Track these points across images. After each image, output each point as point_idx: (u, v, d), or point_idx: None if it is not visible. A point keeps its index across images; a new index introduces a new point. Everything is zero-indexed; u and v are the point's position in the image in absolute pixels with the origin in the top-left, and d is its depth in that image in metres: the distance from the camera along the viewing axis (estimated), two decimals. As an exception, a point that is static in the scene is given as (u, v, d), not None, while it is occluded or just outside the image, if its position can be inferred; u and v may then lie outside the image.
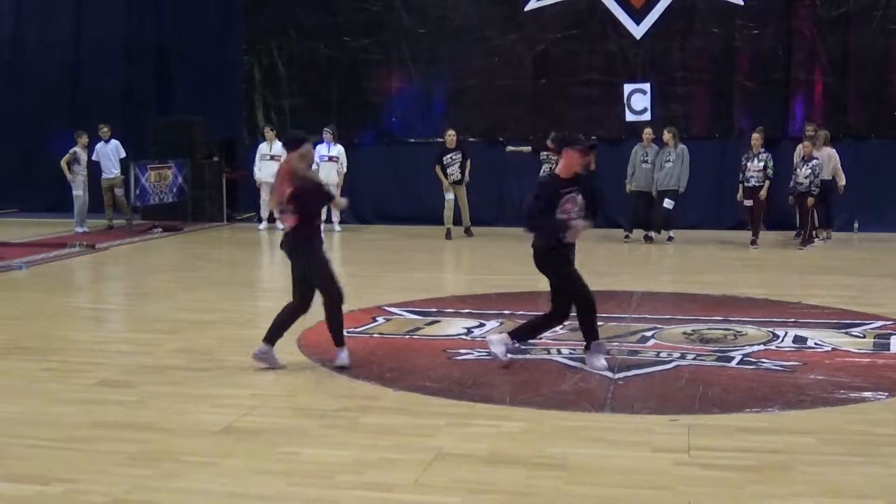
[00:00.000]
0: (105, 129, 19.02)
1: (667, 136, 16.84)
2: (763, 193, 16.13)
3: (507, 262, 14.09)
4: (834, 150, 16.75)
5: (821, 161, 16.17)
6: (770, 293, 11.54)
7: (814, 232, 16.45)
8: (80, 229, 18.35)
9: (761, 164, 16.08)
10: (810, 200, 16.04)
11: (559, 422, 6.57)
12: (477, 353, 8.41)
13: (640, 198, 17.07)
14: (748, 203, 16.29)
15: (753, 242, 16.08)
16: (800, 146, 16.79)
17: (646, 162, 16.99)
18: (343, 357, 8.00)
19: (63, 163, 18.54)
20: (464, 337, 9.06)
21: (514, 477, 5.51)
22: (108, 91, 21.95)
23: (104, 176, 18.95)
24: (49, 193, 22.53)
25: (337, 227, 19.00)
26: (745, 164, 16.19)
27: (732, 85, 18.77)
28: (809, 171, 15.99)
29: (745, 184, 16.19)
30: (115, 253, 16.13)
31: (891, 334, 9.24)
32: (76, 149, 18.66)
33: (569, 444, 6.08)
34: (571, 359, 8.24)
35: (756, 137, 16.28)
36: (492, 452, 5.92)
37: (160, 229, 18.63)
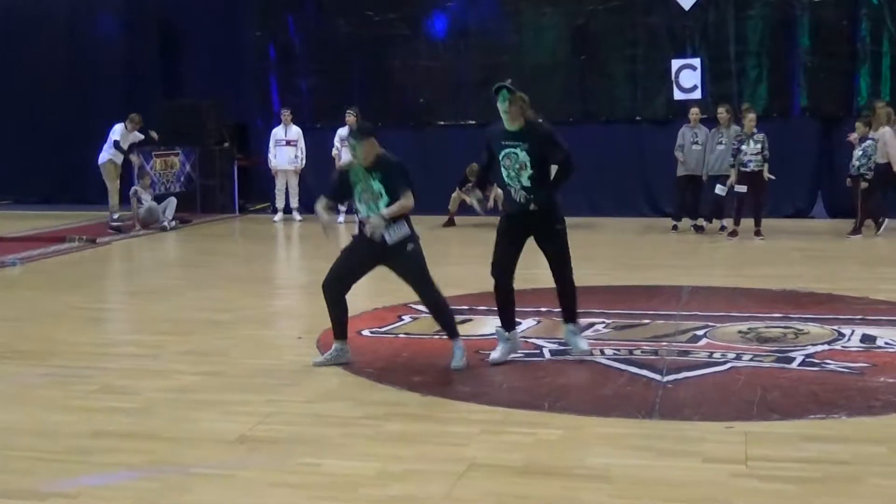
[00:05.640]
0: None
1: (725, 115, 16.61)
2: (767, 175, 15.96)
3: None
4: (891, 131, 16.45)
5: (875, 141, 15.99)
6: (834, 287, 11.46)
7: (866, 221, 16.31)
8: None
9: (758, 145, 15.93)
10: (862, 185, 15.99)
11: (602, 429, 6.54)
12: (512, 355, 8.38)
13: (690, 183, 16.97)
14: (741, 189, 16.10)
15: (758, 233, 15.99)
16: (858, 124, 16.65)
17: (696, 143, 16.88)
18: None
19: None
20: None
21: (553, 489, 5.49)
22: (108, 71, 22.04)
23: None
24: (45, 184, 22.67)
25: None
26: (739, 147, 16.05)
27: (791, 59, 18.63)
28: (861, 152, 15.93)
29: (743, 168, 16.05)
30: (117, 247, 16.21)
31: (968, 332, 9.15)
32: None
33: (612, 454, 6.05)
34: (615, 360, 8.21)
35: (751, 118, 16.06)
36: (528, 463, 5.90)
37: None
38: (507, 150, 7.89)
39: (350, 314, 8.64)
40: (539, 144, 7.88)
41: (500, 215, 8.30)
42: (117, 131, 18.10)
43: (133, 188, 18.10)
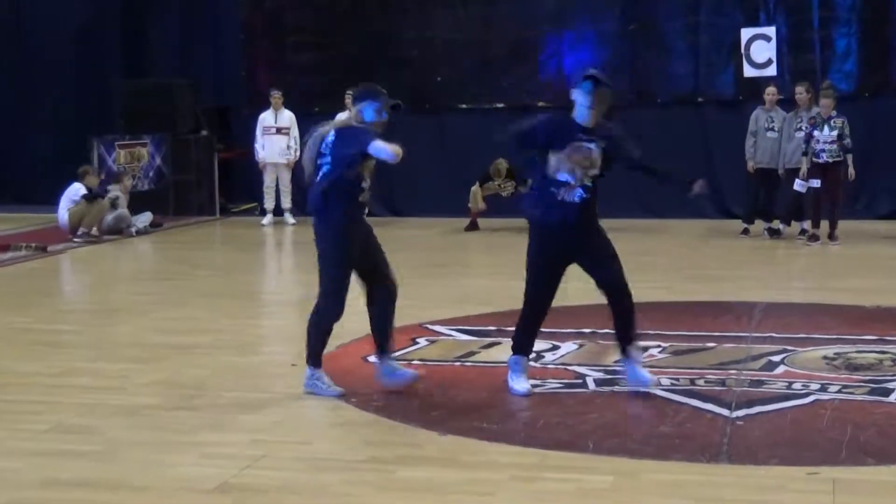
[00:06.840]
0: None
1: (804, 95, 16.54)
2: (851, 172, 15.93)
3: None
4: None
5: None
6: (941, 303, 11.45)
7: None
8: None
9: (835, 132, 15.82)
10: None
11: (658, 475, 6.53)
12: (550, 385, 8.37)
13: (764, 178, 16.91)
14: (815, 185, 15.96)
15: (832, 236, 15.93)
16: None
17: (771, 129, 16.82)
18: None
19: None
20: (532, 363, 9.00)
21: (601, 549, 5.49)
22: (57, 44, 21.97)
23: None
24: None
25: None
26: (811, 133, 15.95)
27: (889, 26, 18.58)
28: None
29: (815, 159, 15.95)
30: (73, 257, 16.25)
31: None
32: None
33: (672, 506, 6.04)
34: (674, 391, 8.19)
35: (825, 103, 15.94)
36: (570, 517, 5.90)
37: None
38: (579, 144, 7.97)
39: (353, 336, 8.68)
40: (611, 143, 8.03)
41: (535, 228, 8.17)
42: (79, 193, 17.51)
43: (115, 193, 17.97)
